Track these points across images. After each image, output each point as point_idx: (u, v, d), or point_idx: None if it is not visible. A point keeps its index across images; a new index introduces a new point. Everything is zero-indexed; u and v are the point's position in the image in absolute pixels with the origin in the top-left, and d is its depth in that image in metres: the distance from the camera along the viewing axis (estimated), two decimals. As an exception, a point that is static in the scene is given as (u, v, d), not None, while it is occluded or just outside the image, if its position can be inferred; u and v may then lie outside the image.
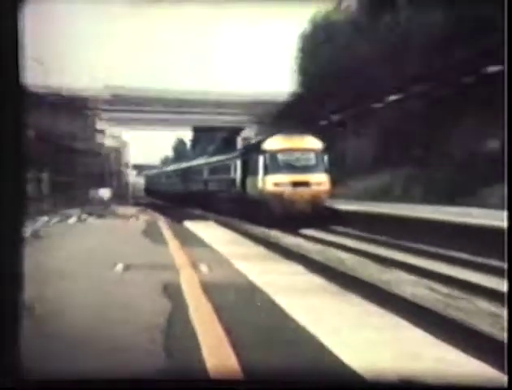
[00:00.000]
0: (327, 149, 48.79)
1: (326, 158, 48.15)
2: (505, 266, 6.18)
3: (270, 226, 44.08)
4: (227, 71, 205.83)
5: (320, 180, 47.04)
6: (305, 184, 46.29)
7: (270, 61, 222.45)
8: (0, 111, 6.45)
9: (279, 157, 47.00)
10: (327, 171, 47.75)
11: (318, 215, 45.48)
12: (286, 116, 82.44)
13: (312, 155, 48.19)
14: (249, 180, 51.11)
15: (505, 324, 9.75)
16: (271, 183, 46.73)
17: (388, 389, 6.68)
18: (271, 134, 57.93)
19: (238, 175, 54.39)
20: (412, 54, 63.31)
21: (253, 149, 51.62)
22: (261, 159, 47.59)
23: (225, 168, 60.03)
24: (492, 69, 51.73)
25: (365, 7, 76.04)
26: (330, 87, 74.06)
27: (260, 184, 47.88)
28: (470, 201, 51.77)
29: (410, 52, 63.60)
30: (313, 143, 49.28)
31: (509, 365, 7.08)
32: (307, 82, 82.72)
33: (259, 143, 49.94)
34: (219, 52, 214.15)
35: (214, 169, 66.88)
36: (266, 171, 47.25)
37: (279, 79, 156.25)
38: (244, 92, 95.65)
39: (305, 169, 47.39)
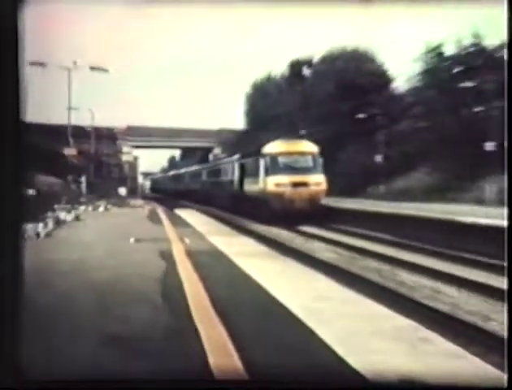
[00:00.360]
0: (322, 153, 40.46)
1: (321, 160, 39.76)
2: (506, 264, 5.42)
3: (268, 222, 36.62)
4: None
5: (318, 181, 38.25)
6: (304, 184, 37.84)
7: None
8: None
9: (280, 159, 38.69)
10: (323, 172, 39.23)
11: (316, 212, 37.26)
12: (241, 140, 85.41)
13: (309, 158, 39.26)
14: (247, 181, 43.38)
15: (505, 324, 8.91)
16: (272, 183, 37.99)
17: (388, 389, 5.54)
18: (234, 151, 56.66)
19: (236, 176, 46.30)
20: (314, 105, 71.74)
21: (251, 154, 43.54)
22: (262, 162, 39.44)
23: (224, 171, 52.20)
24: (363, 116, 53.57)
25: (285, 78, 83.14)
26: (266, 124, 79.55)
27: (262, 185, 39.21)
28: (363, 195, 52.77)
29: (312, 105, 72.30)
30: (310, 147, 40.47)
31: (509, 365, 5.81)
32: (253, 120, 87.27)
33: (259, 148, 41.42)
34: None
35: (213, 172, 59.13)
36: (268, 173, 38.57)
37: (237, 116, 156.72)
38: (212, 124, 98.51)
39: (304, 170, 38.51)
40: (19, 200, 5.39)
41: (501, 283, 15.40)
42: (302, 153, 39.59)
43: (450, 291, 14.86)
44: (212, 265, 13.16)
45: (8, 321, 5.18)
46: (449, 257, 20.24)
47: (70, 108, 58.06)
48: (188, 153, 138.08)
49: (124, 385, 5.46)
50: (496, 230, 20.33)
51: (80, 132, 64.82)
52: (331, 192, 38.88)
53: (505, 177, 6.21)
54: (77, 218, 29.28)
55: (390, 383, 5.38)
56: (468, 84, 40.03)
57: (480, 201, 36.75)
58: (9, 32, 5.17)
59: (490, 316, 12.19)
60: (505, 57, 5.49)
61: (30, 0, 5.36)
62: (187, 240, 18.44)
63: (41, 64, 47.36)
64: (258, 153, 40.80)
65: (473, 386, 6.63)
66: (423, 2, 24.00)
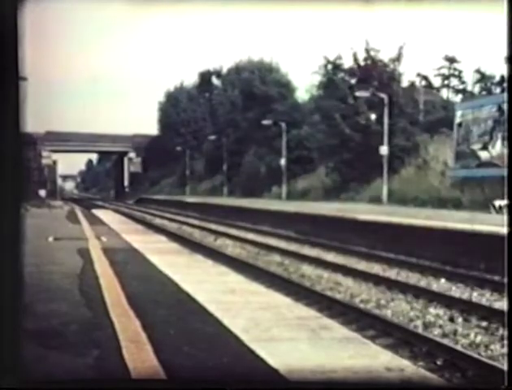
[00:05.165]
0: None
1: None
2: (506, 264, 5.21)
3: None
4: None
5: None
6: None
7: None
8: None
9: None
10: None
11: None
12: (154, 145, 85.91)
13: None
14: None
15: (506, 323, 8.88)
16: None
17: (388, 389, 5.20)
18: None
19: None
20: (221, 113, 73.56)
21: None
22: None
23: None
24: (267, 122, 54.21)
25: (196, 86, 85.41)
26: (177, 129, 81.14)
27: None
28: (261, 195, 53.67)
29: (219, 113, 74.25)
30: None
31: (509, 365, 5.56)
32: (165, 126, 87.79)
33: None
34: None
35: None
36: None
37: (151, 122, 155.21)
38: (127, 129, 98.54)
39: None
40: (18, 203, 5.17)
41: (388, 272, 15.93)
42: None
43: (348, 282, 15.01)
44: (127, 261, 13.04)
45: (8, 320, 4.89)
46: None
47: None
48: (104, 156, 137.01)
49: (124, 385, 5.19)
50: (391, 226, 20.99)
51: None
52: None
53: (506, 181, 5.93)
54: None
55: (390, 384, 5.17)
56: (363, 93, 40.74)
57: (376, 201, 37.39)
58: (9, 31, 4.82)
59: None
60: (506, 54, 5.36)
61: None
62: (103, 239, 18.24)
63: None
64: None
65: (473, 386, 6.65)
66: (421, 2, 23.67)
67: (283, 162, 52.12)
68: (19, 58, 4.93)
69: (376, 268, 16.90)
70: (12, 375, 4.82)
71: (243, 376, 5.29)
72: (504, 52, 5.58)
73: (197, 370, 5.42)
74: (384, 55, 45.55)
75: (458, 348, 8.82)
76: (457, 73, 56.44)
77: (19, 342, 4.96)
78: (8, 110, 4.94)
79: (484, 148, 31.96)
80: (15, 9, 4.85)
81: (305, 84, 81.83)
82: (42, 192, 70.54)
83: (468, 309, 11.26)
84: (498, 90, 45.40)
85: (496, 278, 14.12)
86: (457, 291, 13.69)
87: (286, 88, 66.67)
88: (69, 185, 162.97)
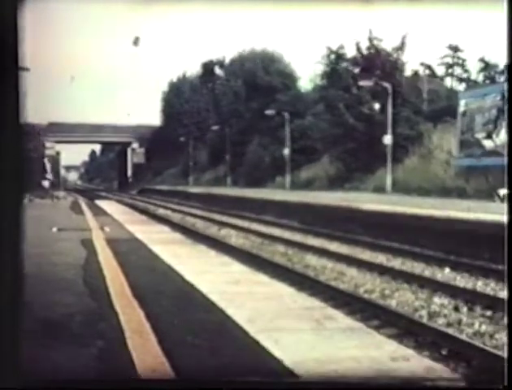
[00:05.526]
0: None
1: None
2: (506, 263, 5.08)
3: None
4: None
5: None
6: None
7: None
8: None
9: None
10: None
11: None
12: (157, 136, 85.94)
13: None
14: None
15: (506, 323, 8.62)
16: None
17: (393, 380, 5.05)
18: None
19: None
20: (224, 103, 74.08)
21: None
22: None
23: None
24: (271, 112, 54.19)
25: (199, 76, 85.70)
26: (181, 120, 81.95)
27: None
28: (265, 185, 53.75)
29: (223, 103, 74.61)
30: None
31: (509, 365, 5.36)
32: (168, 117, 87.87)
33: None
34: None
35: None
36: None
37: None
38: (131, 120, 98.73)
39: None
40: (19, 201, 5.12)
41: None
42: None
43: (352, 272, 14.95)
44: (130, 252, 13.02)
45: (8, 320, 4.73)
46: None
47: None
48: (107, 147, 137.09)
49: (126, 385, 5.08)
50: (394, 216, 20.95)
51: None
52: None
53: (506, 170, 5.84)
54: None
55: (390, 384, 5.07)
56: (367, 83, 40.74)
57: (380, 190, 37.34)
58: (9, 30, 4.68)
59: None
60: (506, 53, 5.30)
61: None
62: (107, 229, 18.23)
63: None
64: None
65: (473, 386, 6.60)
66: (421, 2, 23.45)
67: (286, 151, 52.11)
68: (19, 59, 4.82)
69: (380, 258, 16.85)
70: (12, 375, 4.76)
71: (248, 367, 5.29)
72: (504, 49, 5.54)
73: (201, 359, 5.41)
74: (387, 44, 45.46)
75: (463, 337, 8.80)
76: (460, 62, 56.29)
77: (18, 342, 4.83)
78: (8, 103, 4.86)
79: (488, 137, 31.99)
80: (15, 9, 4.75)
81: (308, 73, 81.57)
82: (46, 183, 70.70)
83: (473, 298, 11.24)
84: (502, 79, 45.18)
85: (501, 267, 14.08)
86: (462, 280, 13.67)
87: (289, 78, 66.67)
88: (72, 176, 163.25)
